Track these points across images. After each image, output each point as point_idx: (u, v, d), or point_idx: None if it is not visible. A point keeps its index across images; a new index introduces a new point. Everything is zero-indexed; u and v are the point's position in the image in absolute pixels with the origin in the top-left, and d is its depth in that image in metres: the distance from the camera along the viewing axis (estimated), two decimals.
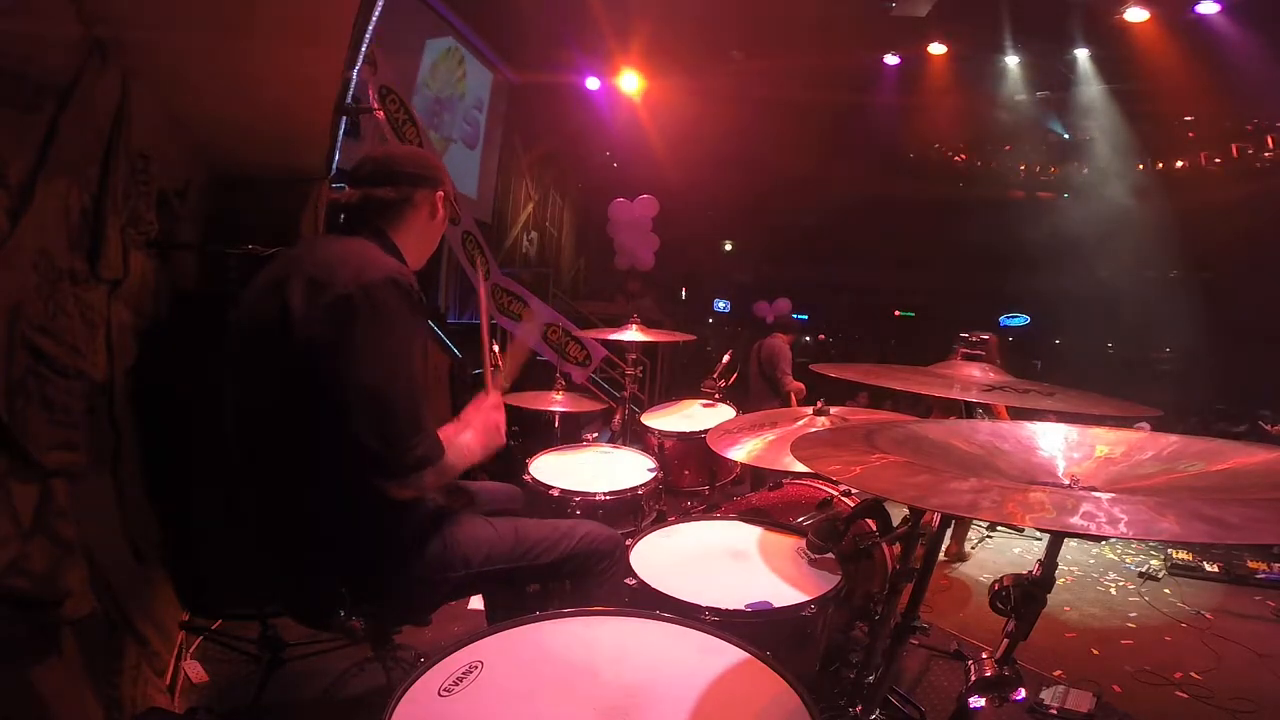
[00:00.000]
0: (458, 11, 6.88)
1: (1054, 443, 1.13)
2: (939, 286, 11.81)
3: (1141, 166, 10.11)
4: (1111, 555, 4.31)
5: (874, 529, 1.76)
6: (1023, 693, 0.99)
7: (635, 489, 2.26)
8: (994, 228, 10.06)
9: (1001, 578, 1.02)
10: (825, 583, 1.61)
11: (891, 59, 8.40)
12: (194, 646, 2.42)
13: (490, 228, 8.05)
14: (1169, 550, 4.16)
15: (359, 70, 2.63)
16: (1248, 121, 9.09)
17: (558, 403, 2.94)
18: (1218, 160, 9.53)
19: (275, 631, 2.26)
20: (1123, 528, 0.74)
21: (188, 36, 1.97)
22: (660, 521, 2.00)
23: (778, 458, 1.78)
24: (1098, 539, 4.21)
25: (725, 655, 1.18)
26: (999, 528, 4.56)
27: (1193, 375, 8.77)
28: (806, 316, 12.21)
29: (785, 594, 1.56)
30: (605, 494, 2.20)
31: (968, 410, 1.79)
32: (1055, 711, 2.43)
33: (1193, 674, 2.88)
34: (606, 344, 4.73)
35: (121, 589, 1.92)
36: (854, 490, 2.13)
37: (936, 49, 8.03)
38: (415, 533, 1.51)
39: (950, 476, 0.90)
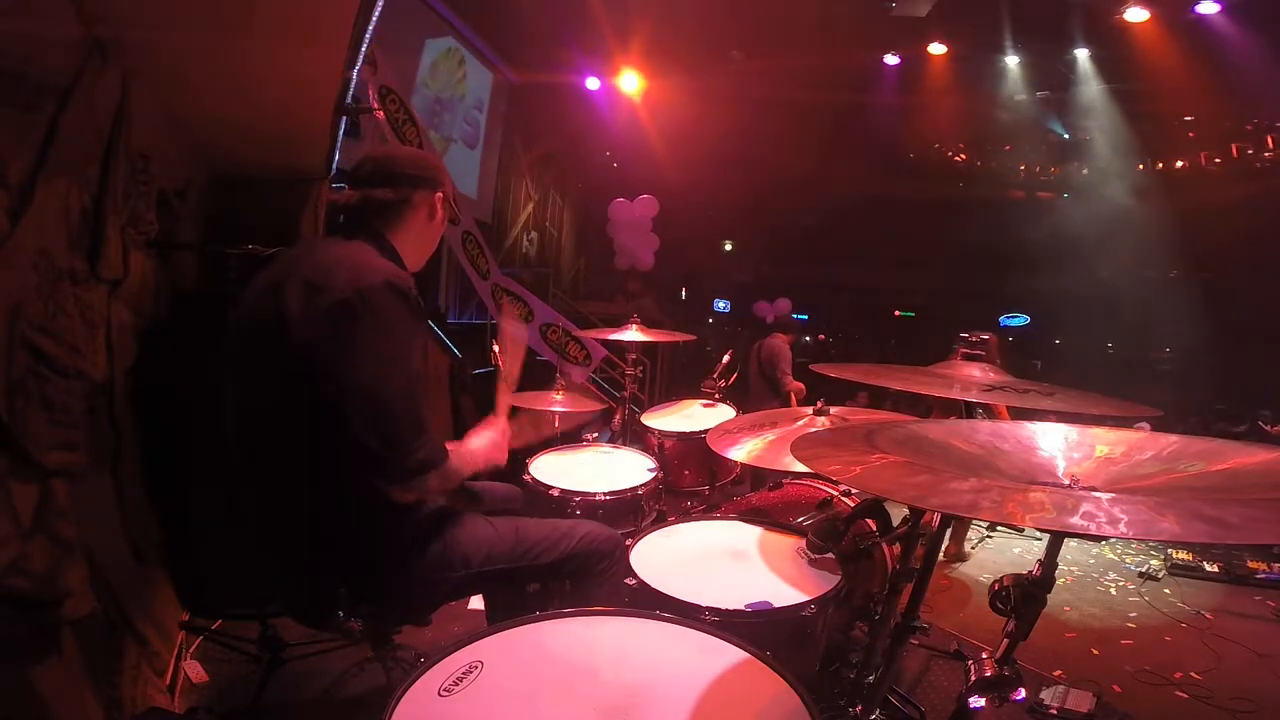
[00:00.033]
0: (458, 11, 6.88)
1: (1054, 443, 1.13)
2: (939, 286, 11.81)
3: (1141, 166, 10.10)
4: (1111, 555, 4.31)
5: (874, 529, 1.76)
6: (1023, 693, 0.99)
7: (635, 489, 2.26)
8: (994, 228, 10.06)
9: (1001, 578, 1.02)
10: (825, 583, 1.61)
11: (891, 59, 8.40)
12: (194, 646, 2.42)
13: (490, 228, 8.05)
14: (1169, 550, 4.16)
15: (359, 70, 2.63)
16: (1248, 121, 9.09)
17: (558, 403, 2.93)
18: (1218, 160, 9.52)
19: (275, 631, 2.26)
20: (1123, 528, 0.74)
21: (188, 36, 1.97)
22: (660, 521, 2.00)
23: (778, 458, 1.78)
24: (1098, 539, 4.21)
25: (725, 655, 1.18)
26: (999, 528, 4.56)
27: (1193, 375, 8.77)
28: (806, 316, 12.21)
29: (785, 594, 1.56)
30: (605, 494, 2.20)
31: (968, 410, 1.79)
32: (1055, 711, 2.43)
33: (1193, 674, 2.88)
34: (606, 344, 4.73)
35: (121, 589, 1.92)
36: (854, 490, 2.13)
37: (936, 49, 8.03)
38: (415, 533, 1.51)
39: (950, 476, 0.90)
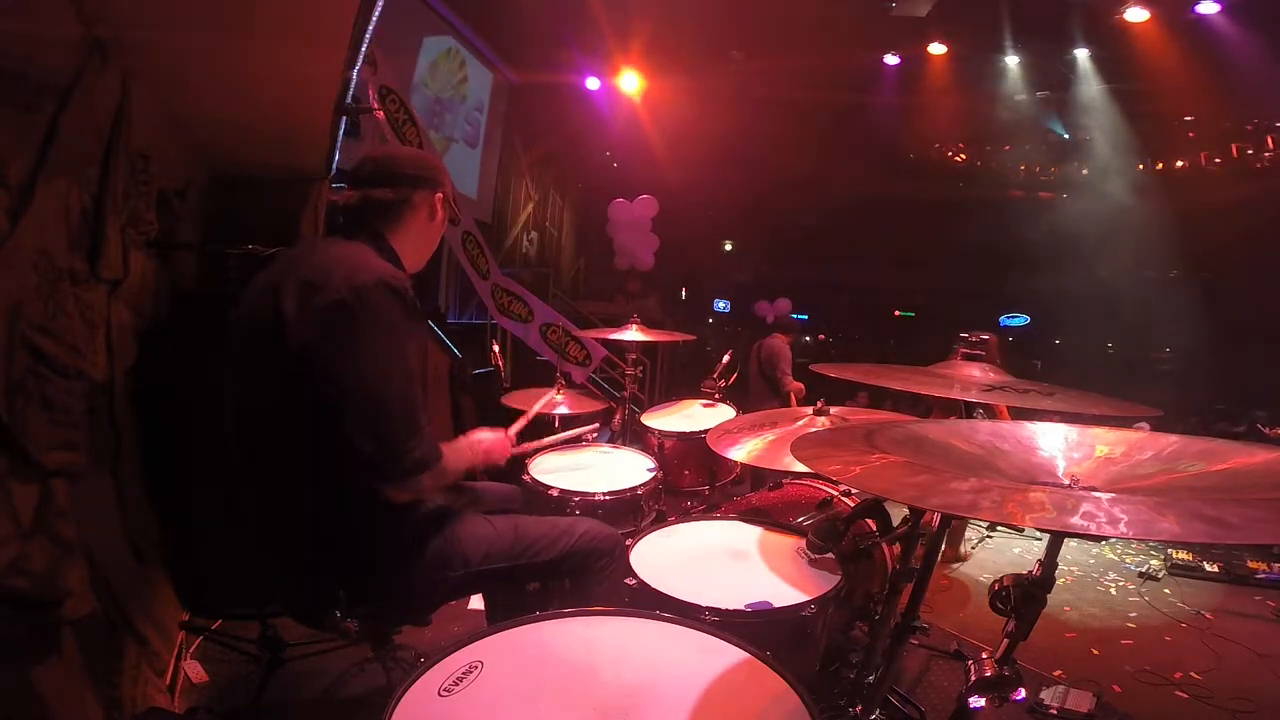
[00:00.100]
0: (457, 11, 6.87)
1: (1054, 443, 1.13)
2: (939, 286, 11.81)
3: (1141, 166, 10.11)
4: (1111, 555, 4.31)
5: (874, 529, 1.76)
6: (1023, 693, 0.99)
7: (635, 489, 2.26)
8: (994, 228, 10.06)
9: (1001, 578, 1.02)
10: (825, 583, 1.61)
11: (891, 59, 8.40)
12: (194, 646, 2.42)
13: (490, 228, 8.05)
14: (1169, 550, 4.16)
15: (359, 70, 2.63)
16: (1248, 121, 9.09)
17: (558, 403, 2.93)
18: (1218, 160, 9.52)
19: (275, 631, 2.26)
20: (1123, 528, 0.74)
21: (188, 36, 1.97)
22: (660, 521, 2.00)
23: (778, 458, 1.78)
24: (1098, 539, 4.21)
25: (725, 655, 1.18)
26: (999, 528, 4.56)
27: (1193, 375, 8.77)
28: (806, 316, 12.21)
29: (785, 594, 1.56)
30: (605, 494, 2.20)
31: (968, 410, 1.79)
32: (1055, 711, 2.43)
33: (1193, 674, 2.88)
34: (606, 344, 4.72)
35: (121, 589, 1.92)
36: (854, 490, 2.13)
37: (936, 49, 8.03)
38: (415, 532, 1.51)
39: (950, 476, 0.90)
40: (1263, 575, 3.84)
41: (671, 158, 9.15)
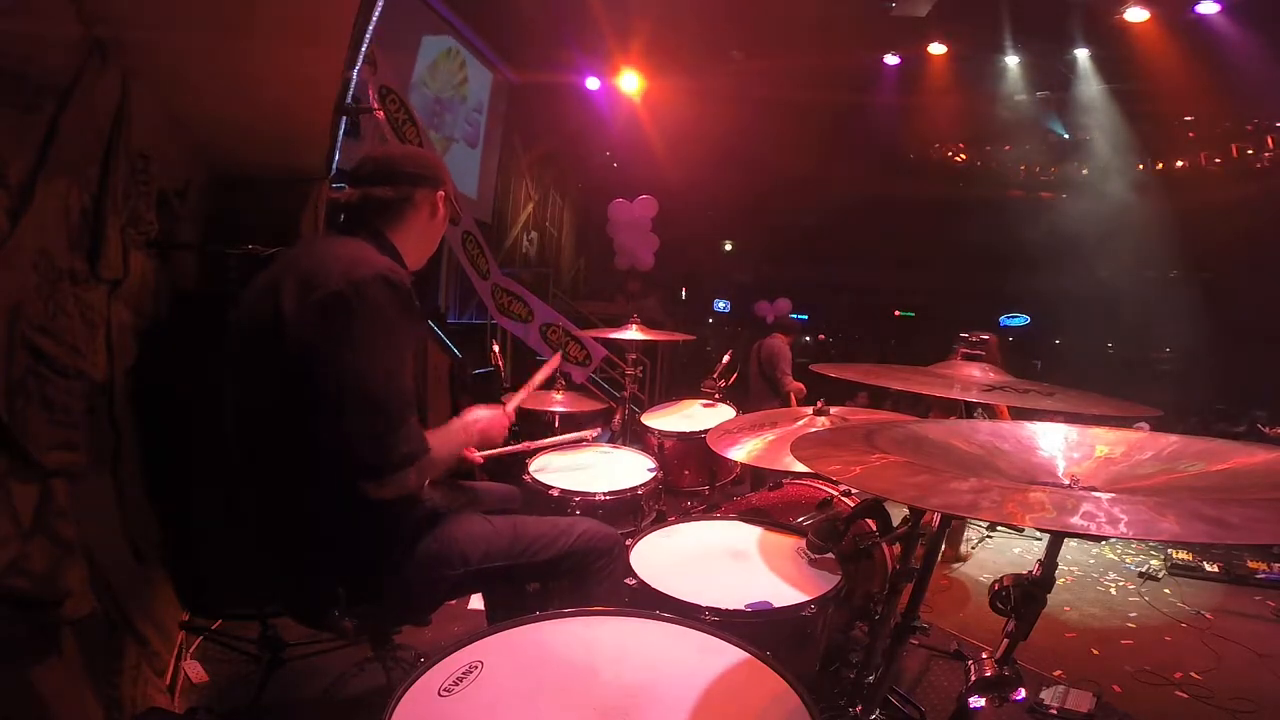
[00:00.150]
0: (457, 11, 6.87)
1: (1054, 443, 1.13)
2: (939, 286, 11.82)
3: (1141, 166, 10.11)
4: (1111, 555, 4.31)
5: (874, 529, 1.76)
6: (1023, 693, 0.99)
7: (635, 489, 2.26)
8: (994, 228, 10.07)
9: (1001, 578, 1.02)
10: (825, 583, 1.61)
11: (891, 59, 8.40)
12: (194, 646, 2.42)
13: (490, 228, 8.05)
14: (1169, 550, 4.16)
15: (359, 70, 2.63)
16: (1248, 121, 9.09)
17: (558, 403, 2.94)
18: (1218, 160, 9.53)
19: (275, 631, 2.26)
20: (1123, 528, 0.74)
21: (188, 36, 1.97)
22: (660, 521, 2.00)
23: (778, 458, 1.78)
24: (1098, 539, 4.21)
25: (725, 655, 1.18)
26: (999, 528, 4.56)
27: (1193, 375, 8.77)
28: (806, 316, 12.22)
29: (785, 594, 1.56)
30: (605, 494, 2.20)
31: (967, 410, 1.79)
32: (1055, 711, 2.43)
33: (1193, 674, 2.88)
34: (606, 344, 4.73)
35: (121, 589, 1.92)
36: (854, 490, 2.13)
37: (936, 49, 8.03)
38: (414, 531, 1.51)
39: (950, 476, 0.90)
40: (1263, 575, 3.84)
41: (671, 158, 9.15)
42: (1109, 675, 2.80)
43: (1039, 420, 1.19)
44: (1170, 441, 1.06)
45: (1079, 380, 1.83)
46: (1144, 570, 3.96)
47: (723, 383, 3.31)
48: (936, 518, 1.47)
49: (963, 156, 11.77)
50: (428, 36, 6.63)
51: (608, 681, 1.09)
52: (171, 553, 2.38)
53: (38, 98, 1.59)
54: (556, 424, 3.01)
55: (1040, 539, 4.30)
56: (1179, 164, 10.00)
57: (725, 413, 3.17)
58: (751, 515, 2.00)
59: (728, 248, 14.14)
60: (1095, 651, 3.08)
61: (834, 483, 2.20)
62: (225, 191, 2.89)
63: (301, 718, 2.20)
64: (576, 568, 1.64)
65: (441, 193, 1.64)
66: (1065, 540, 0.99)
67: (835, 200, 11.12)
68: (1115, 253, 9.92)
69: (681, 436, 2.85)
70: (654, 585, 1.53)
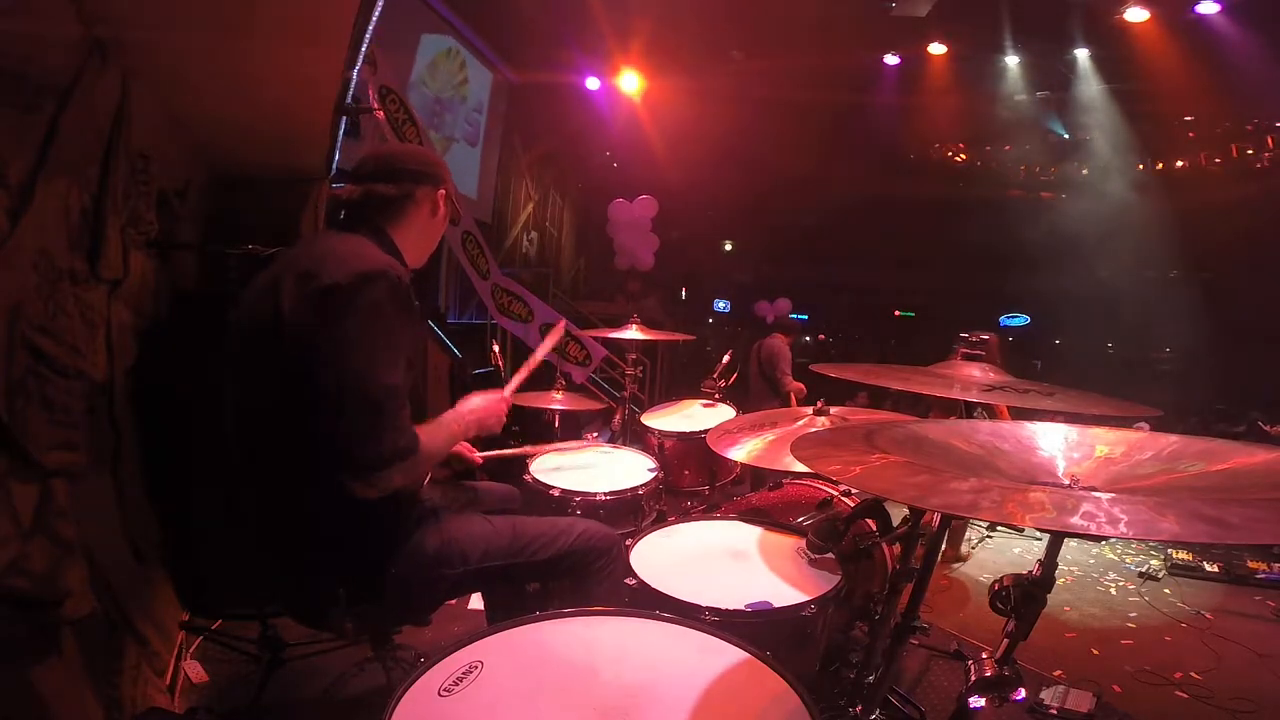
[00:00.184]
0: (457, 11, 6.87)
1: (1054, 443, 1.13)
2: (939, 286, 11.82)
3: (1141, 166, 10.12)
4: (1111, 555, 4.31)
5: (874, 529, 1.76)
6: (1023, 693, 0.99)
7: (635, 489, 2.26)
8: (994, 228, 10.07)
9: (1001, 578, 1.02)
10: (825, 583, 1.61)
11: (891, 59, 8.40)
12: (194, 646, 2.42)
13: (490, 228, 8.05)
14: (1169, 550, 4.16)
15: (359, 70, 2.63)
16: (1248, 121, 9.10)
17: (558, 403, 2.94)
18: (1218, 160, 9.53)
19: (275, 631, 2.26)
20: (1123, 528, 0.74)
21: (188, 36, 1.97)
22: (660, 521, 2.00)
23: (778, 458, 1.78)
24: (1098, 539, 4.21)
25: (725, 655, 1.18)
26: (999, 528, 4.56)
27: (1193, 375, 8.77)
28: (806, 316, 12.22)
29: (785, 594, 1.56)
30: (605, 494, 2.20)
31: (968, 410, 1.79)
32: (1055, 711, 2.43)
33: (1193, 674, 2.88)
34: (606, 344, 4.73)
35: (121, 589, 1.92)
36: (854, 490, 2.13)
37: (936, 49, 8.03)
38: (414, 531, 1.51)
39: (950, 476, 0.90)
40: (1263, 575, 3.84)
41: (671, 158, 9.15)
42: (1109, 675, 2.80)
43: (1039, 420, 1.19)
44: (1170, 441, 1.06)
45: (1079, 380, 1.83)
46: (1144, 570, 3.96)
47: (723, 383, 3.31)
48: (936, 518, 1.47)
49: (963, 156, 11.78)
50: (426, 35, 6.62)
51: (608, 681, 1.09)
52: (171, 553, 2.38)
53: (38, 98, 1.59)
54: (556, 424, 3.01)
55: (1040, 539, 4.30)
56: (1179, 164, 10.01)
57: (725, 413, 3.17)
58: (751, 515, 2.00)
59: (728, 248, 14.14)
60: (1095, 651, 3.08)
61: (834, 483, 2.20)
62: (225, 191, 2.89)
63: (301, 718, 2.20)
64: (576, 567, 1.64)
65: (443, 191, 1.64)
66: (1065, 540, 0.99)
67: (835, 200, 11.13)
68: (1115, 253, 9.92)
69: (681, 436, 2.85)
70: (654, 585, 1.53)
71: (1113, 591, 3.78)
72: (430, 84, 6.77)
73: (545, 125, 9.08)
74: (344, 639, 1.78)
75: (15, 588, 1.40)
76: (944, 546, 3.79)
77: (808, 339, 12.25)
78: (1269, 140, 8.92)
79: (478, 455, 2.00)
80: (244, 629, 2.40)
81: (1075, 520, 0.75)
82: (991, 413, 2.77)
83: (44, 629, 1.53)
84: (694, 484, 2.89)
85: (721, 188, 10.97)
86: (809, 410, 2.02)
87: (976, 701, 1.00)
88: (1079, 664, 2.91)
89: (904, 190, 10.87)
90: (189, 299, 2.58)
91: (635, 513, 2.27)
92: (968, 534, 4.35)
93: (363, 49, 2.49)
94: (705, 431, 2.19)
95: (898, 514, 1.65)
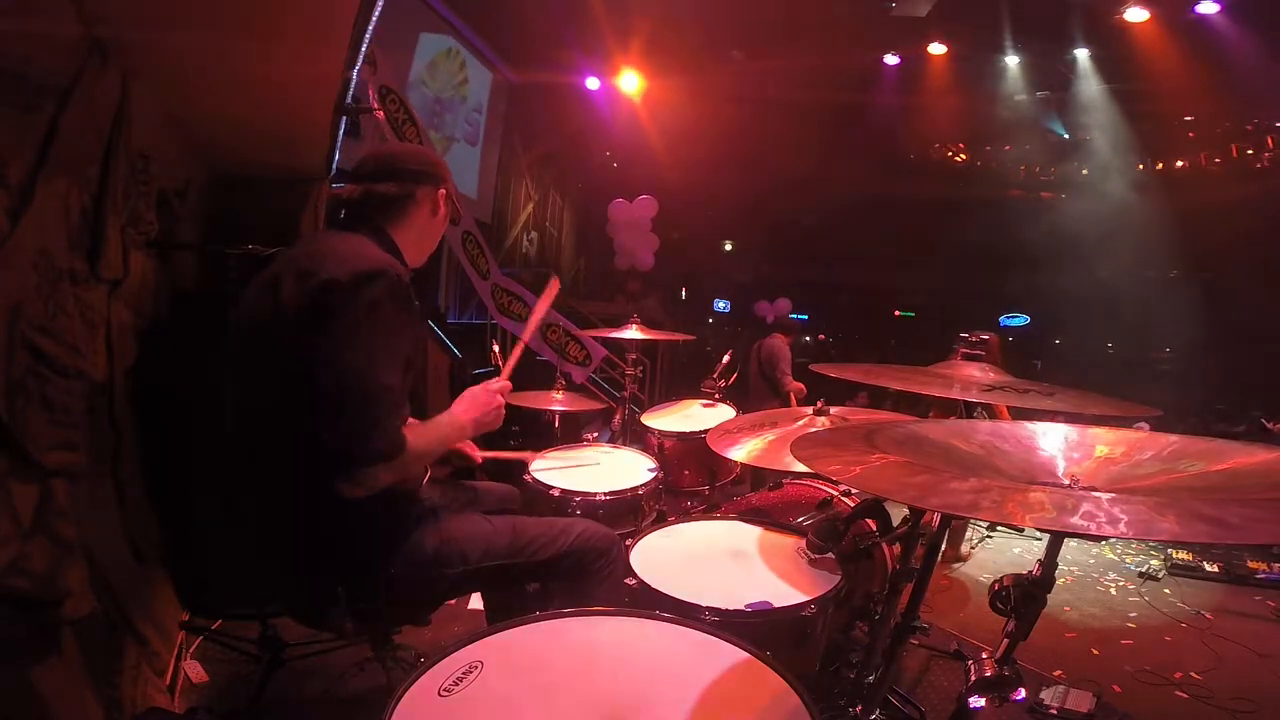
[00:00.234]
0: (457, 11, 6.87)
1: (1054, 443, 1.13)
2: (939, 286, 11.82)
3: (1141, 166, 10.11)
4: (1111, 555, 4.31)
5: (874, 529, 1.76)
6: (1023, 693, 0.99)
7: (636, 489, 2.26)
8: (994, 228, 10.07)
9: (1001, 578, 1.02)
10: (825, 583, 1.61)
11: (891, 59, 8.40)
12: (194, 646, 2.42)
13: (490, 228, 8.05)
14: (1169, 550, 4.16)
15: (359, 70, 2.63)
16: (1248, 121, 9.10)
17: (558, 402, 2.94)
18: (1218, 160, 9.53)
19: (275, 631, 2.26)
20: (1123, 528, 0.74)
21: (188, 36, 1.97)
22: (660, 521, 2.00)
23: (778, 458, 1.78)
24: (1098, 539, 4.21)
25: (725, 655, 1.18)
26: (999, 528, 4.56)
27: (1193, 375, 8.78)
28: (806, 316, 12.22)
29: (785, 594, 1.56)
30: (605, 494, 2.20)
31: (968, 410, 1.79)
32: (1055, 711, 2.43)
33: (1193, 674, 2.88)
34: (606, 344, 4.73)
35: (121, 589, 1.92)
36: (854, 490, 2.13)
37: (936, 49, 8.02)
38: (414, 530, 1.51)
39: (950, 476, 0.90)
40: (1263, 575, 3.84)
41: (671, 158, 9.14)
42: (1109, 675, 2.80)
43: (1039, 420, 1.19)
44: (1170, 441, 1.06)
45: (1079, 380, 1.83)
46: (1144, 570, 3.96)
47: (723, 383, 3.31)
48: (936, 518, 1.47)
49: (963, 156, 11.77)
50: (426, 35, 6.61)
51: (608, 681, 1.10)
52: (171, 553, 2.37)
53: (38, 98, 1.59)
54: (556, 424, 3.01)
55: (1040, 539, 4.30)
56: (1179, 164, 10.01)
57: (725, 413, 3.17)
58: (751, 515, 2.00)
59: (728, 248, 14.13)
60: (1095, 651, 3.08)
61: (834, 483, 2.20)
62: (225, 191, 2.89)
63: (301, 718, 2.20)
64: (575, 567, 1.64)
65: (443, 190, 1.64)
66: (1065, 540, 0.99)
67: (835, 200, 11.12)
68: (1115, 253, 9.92)
69: (681, 436, 2.85)
70: (654, 585, 1.53)
71: (1113, 591, 3.78)
72: (430, 84, 6.77)
73: (545, 125, 9.08)
74: (344, 639, 1.78)
75: (15, 588, 1.40)
76: (944, 546, 3.79)
77: (808, 339, 12.24)
78: (1269, 140, 8.92)
79: (479, 454, 2.01)
80: (244, 629, 2.40)
81: (1075, 520, 0.75)
82: (991, 413, 2.77)
83: (44, 629, 1.53)
84: (694, 484, 2.89)
85: (721, 188, 10.96)
86: (809, 410, 2.02)
87: (976, 701, 1.00)
88: (1079, 664, 2.91)
89: (904, 190, 10.86)
90: (189, 299, 2.58)
91: (635, 513, 2.27)
92: (968, 534, 4.35)
93: (363, 49, 2.49)
94: (705, 431, 2.19)
95: (898, 514, 1.65)
